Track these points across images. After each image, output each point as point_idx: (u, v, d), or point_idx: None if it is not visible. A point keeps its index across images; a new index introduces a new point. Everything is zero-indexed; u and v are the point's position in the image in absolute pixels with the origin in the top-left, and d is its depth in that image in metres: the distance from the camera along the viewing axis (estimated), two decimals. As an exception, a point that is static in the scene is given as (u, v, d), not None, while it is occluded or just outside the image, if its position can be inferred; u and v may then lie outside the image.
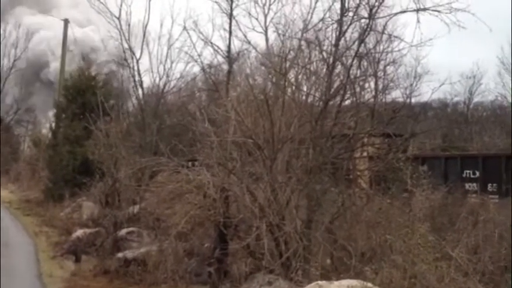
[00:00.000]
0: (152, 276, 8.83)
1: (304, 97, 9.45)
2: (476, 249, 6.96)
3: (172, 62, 16.04)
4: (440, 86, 22.69)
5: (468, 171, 15.84)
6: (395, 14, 8.58)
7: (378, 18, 8.68)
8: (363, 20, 8.73)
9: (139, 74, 15.81)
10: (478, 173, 15.63)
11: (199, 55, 13.32)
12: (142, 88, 16.17)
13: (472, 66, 39.32)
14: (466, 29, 8.22)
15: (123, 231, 11.41)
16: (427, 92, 36.89)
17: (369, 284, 5.34)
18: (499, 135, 27.45)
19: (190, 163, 10.65)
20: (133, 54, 15.85)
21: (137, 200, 12.50)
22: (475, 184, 15.29)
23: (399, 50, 10.50)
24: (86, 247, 11.74)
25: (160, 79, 16.07)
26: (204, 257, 8.86)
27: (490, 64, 40.65)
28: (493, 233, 7.18)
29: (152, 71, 16.15)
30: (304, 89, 9.55)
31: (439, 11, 8.02)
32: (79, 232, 12.25)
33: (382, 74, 13.54)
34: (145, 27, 16.09)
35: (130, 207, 12.59)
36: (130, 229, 11.44)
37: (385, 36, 10.68)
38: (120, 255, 10.22)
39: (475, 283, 5.84)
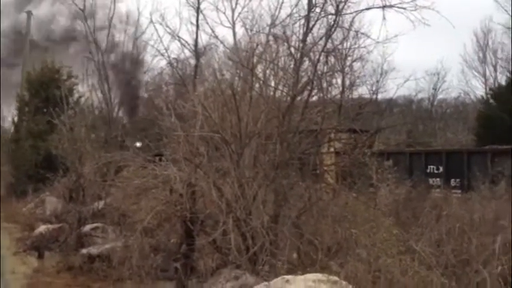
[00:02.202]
0: (117, 272, 8.71)
1: (271, 92, 9.46)
2: (439, 243, 7.10)
3: (138, 56, 15.83)
4: (404, 83, 23.09)
5: (432, 167, 16.19)
6: (362, 10, 8.65)
7: (345, 14, 8.74)
8: (330, 16, 8.79)
9: (104, 68, 15.54)
10: (441, 168, 15.99)
11: (166, 49, 13.17)
12: (107, 82, 15.90)
13: (437, 64, 40.19)
14: (430, 27, 8.39)
15: (87, 227, 11.23)
16: (392, 89, 37.58)
17: (334, 278, 5.39)
18: (461, 132, 28.14)
19: (157, 158, 10.54)
20: (99, 47, 15.58)
21: (102, 196, 12.31)
22: (438, 179, 15.64)
23: (365, 47, 10.61)
24: (49, 243, 11.55)
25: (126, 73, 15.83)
26: (170, 253, 8.79)
27: (454, 62, 41.52)
28: (455, 226, 7.32)
29: (117, 65, 15.90)
30: (272, 84, 9.55)
31: (404, 8, 8.13)
32: (42, 228, 12.02)
33: (349, 70, 13.66)
34: (110, 20, 15.85)
35: (95, 202, 12.39)
36: (95, 225, 11.27)
37: (352, 33, 10.78)
38: (84, 251, 10.07)
39: (438, 276, 5.95)
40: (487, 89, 29.85)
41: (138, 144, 13.43)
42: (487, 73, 30.54)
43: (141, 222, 8.60)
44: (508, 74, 27.51)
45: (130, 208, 10.07)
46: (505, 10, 26.94)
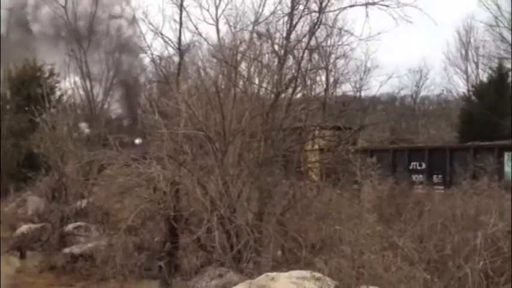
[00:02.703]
0: (100, 271, 8.65)
1: (255, 90, 9.46)
2: (422, 239, 7.15)
3: (121, 53, 15.70)
4: (387, 80, 23.25)
5: (415, 163, 16.32)
6: (345, 7, 8.69)
7: (328, 12, 8.77)
8: (313, 14, 8.80)
9: (86, 65, 15.38)
10: (424, 165, 16.12)
11: (149, 46, 13.08)
12: (90, 80, 15.75)
13: (419, 61, 40.55)
14: (414, 25, 8.46)
15: (70, 226, 11.14)
16: (376, 86, 37.77)
17: (318, 274, 5.41)
18: (444, 128, 28.43)
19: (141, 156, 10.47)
20: (80, 44, 15.42)
21: (85, 194, 12.21)
22: (421, 175, 15.78)
23: (348, 44, 10.66)
24: (32, 243, 11.43)
25: (109, 71, 15.70)
26: (154, 251, 8.76)
27: (437, 59, 41.91)
28: (437, 222, 7.39)
29: (100, 62, 15.77)
30: (256, 81, 9.55)
31: (387, 6, 8.18)
32: (24, 227, 11.89)
33: (333, 67, 13.72)
34: (92, 17, 15.68)
35: (77, 201, 12.29)
36: (78, 224, 11.19)
37: (335, 31, 10.83)
38: (66, 250, 9.99)
39: (420, 271, 6.00)
40: (469, 86, 30.16)
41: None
42: (469, 70, 30.84)
43: (125, 220, 8.55)
44: (490, 71, 27.86)
45: (114, 207, 10.02)
46: (487, 8, 27.28)
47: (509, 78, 26.81)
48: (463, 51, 30.98)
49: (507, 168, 14.09)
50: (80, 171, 12.29)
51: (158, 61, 12.95)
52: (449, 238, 6.70)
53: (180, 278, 8.01)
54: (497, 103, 24.49)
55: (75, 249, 9.84)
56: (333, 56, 12.77)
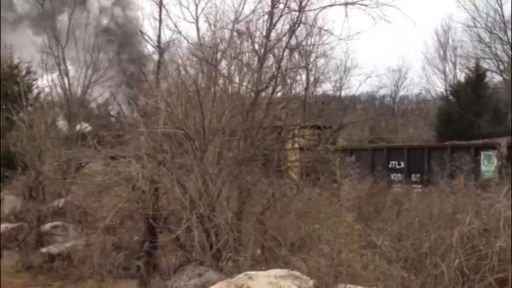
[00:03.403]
0: (78, 271, 8.58)
1: (235, 88, 9.44)
2: (400, 237, 7.22)
3: (99, 51, 15.54)
4: (366, 79, 23.50)
5: (394, 162, 16.51)
6: (325, 7, 8.73)
7: (308, 11, 8.80)
8: (293, 13, 8.82)
9: (64, 63, 15.20)
10: (403, 164, 16.32)
11: (128, 44, 12.96)
12: (68, 77, 15.56)
13: (398, 61, 40.96)
14: (393, 25, 8.57)
15: (47, 226, 11.00)
16: (356, 85, 38.09)
17: (297, 273, 5.43)
18: (422, 128, 28.79)
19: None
20: (58, 42, 15.22)
21: (63, 193, 12.06)
22: (400, 174, 15.97)
23: (328, 44, 10.71)
24: (8, 242, 11.25)
25: (87, 68, 15.52)
26: (132, 251, 8.69)
27: (416, 59, 42.46)
28: (415, 221, 7.47)
29: (79, 60, 15.60)
30: (236, 80, 9.53)
31: (366, 5, 8.25)
32: (0, 227, 11.69)
33: (313, 66, 13.79)
34: (71, 14, 15.49)
35: (55, 200, 12.14)
36: (55, 223, 11.04)
37: (316, 30, 10.87)
38: (44, 250, 9.87)
39: (398, 269, 6.06)
40: (447, 86, 30.59)
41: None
42: (447, 70, 31.31)
43: (103, 220, 8.47)
44: (467, 72, 28.28)
45: (92, 206, 9.92)
46: (465, 9, 27.70)
47: (486, 79, 27.29)
48: (441, 51, 31.46)
49: (483, 167, 14.33)
50: (57, 170, 12.16)
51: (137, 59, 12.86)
52: (426, 236, 6.77)
53: (158, 277, 7.96)
54: (475, 103, 24.90)
55: (53, 249, 9.73)
56: (313, 55, 12.83)
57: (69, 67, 15.56)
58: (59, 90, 17.22)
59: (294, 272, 5.53)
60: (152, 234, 8.29)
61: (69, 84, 16.08)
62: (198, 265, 7.35)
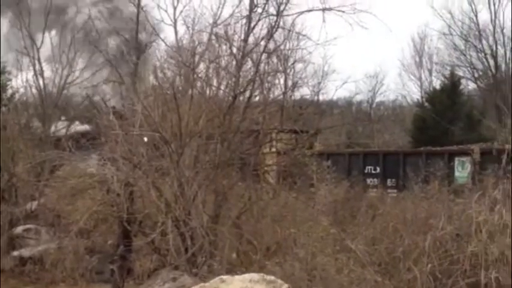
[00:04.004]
0: (50, 274, 8.46)
1: (213, 92, 9.43)
2: (374, 241, 7.29)
3: (76, 52, 15.35)
4: (342, 85, 23.73)
5: (370, 167, 16.65)
6: (302, 12, 8.79)
7: (286, 15, 8.85)
8: (271, 17, 8.86)
9: (39, 63, 14.97)
10: (378, 169, 16.47)
11: (105, 45, 12.85)
12: (43, 78, 15.32)
13: (375, 67, 41.48)
14: (371, 32, 8.70)
15: (19, 229, 10.77)
16: (333, 90, 38.44)
17: (271, 277, 5.41)
18: (398, 133, 29.14)
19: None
20: (34, 41, 15.00)
21: (36, 196, 11.84)
22: (375, 179, 16.10)
23: (305, 48, 10.77)
24: (-21, 246, 10.99)
25: (63, 69, 15.32)
26: (106, 255, 8.59)
27: (392, 66, 43.04)
28: (389, 225, 7.54)
29: (54, 60, 15.38)
30: (214, 83, 9.52)
31: (343, 11, 8.33)
32: (-30, 230, 11.42)
33: (291, 71, 13.82)
34: (47, 14, 15.27)
35: (28, 203, 11.91)
36: (28, 226, 10.82)
37: (294, 35, 10.91)
38: (15, 253, 9.69)
39: (372, 273, 6.11)
40: (423, 92, 31.04)
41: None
42: (423, 77, 31.75)
43: (76, 223, 8.36)
44: (443, 78, 28.73)
45: (66, 209, 9.78)
46: (441, 16, 28.16)
47: (461, 86, 27.76)
48: (417, 59, 31.91)
49: (457, 173, 14.56)
50: (31, 172, 11.94)
51: (114, 60, 12.75)
52: (400, 241, 6.85)
53: (132, 281, 7.88)
54: (449, 110, 25.30)
55: (25, 252, 9.55)
56: (291, 59, 12.87)
57: (45, 67, 15.35)
58: (34, 90, 16.99)
59: (268, 276, 5.51)
60: (126, 237, 8.21)
61: (44, 84, 15.85)
62: (173, 269, 7.29)
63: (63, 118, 15.58)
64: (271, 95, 10.80)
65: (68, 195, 9.38)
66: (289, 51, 12.19)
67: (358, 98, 33.16)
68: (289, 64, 13.13)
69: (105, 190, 8.19)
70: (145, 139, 8.41)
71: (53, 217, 10.44)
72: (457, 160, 14.86)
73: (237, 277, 5.36)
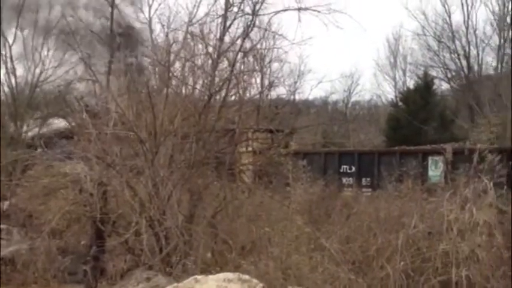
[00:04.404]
0: (21, 275, 8.28)
1: (189, 91, 9.38)
2: (348, 240, 7.35)
3: (48, 50, 15.12)
4: (318, 84, 23.88)
5: (345, 166, 16.77)
6: (278, 11, 8.80)
7: (261, 15, 8.85)
8: (247, 16, 8.86)
9: (11, 61, 14.70)
10: (354, 168, 16.60)
11: (78, 44, 12.67)
12: (15, 76, 15.05)
13: (351, 67, 41.86)
14: (348, 33, 8.78)
15: (-10, 229, 10.56)
16: (309, 90, 38.67)
17: (246, 276, 5.42)
18: (373, 133, 29.44)
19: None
20: (6, 39, 14.72)
21: (7, 196, 11.62)
22: (351, 178, 16.24)
23: (281, 47, 10.79)
24: None
25: (35, 67, 15.07)
26: (79, 255, 8.46)
27: (367, 66, 43.47)
28: (363, 224, 7.62)
29: (27, 58, 15.12)
30: (189, 82, 9.46)
31: (318, 11, 8.38)
32: None
33: (268, 70, 13.85)
34: (19, 11, 15.00)
35: (-1, 203, 11.68)
36: (-1, 226, 10.62)
37: (271, 34, 10.93)
38: (-14, 254, 9.45)
39: (345, 272, 6.16)
40: (397, 92, 31.41)
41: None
42: (397, 77, 32.14)
43: (49, 223, 8.23)
44: (416, 79, 29.13)
45: (38, 209, 9.61)
46: (415, 17, 28.54)
47: (434, 86, 28.19)
48: (392, 59, 32.30)
49: (430, 172, 14.78)
50: (2, 172, 11.71)
51: (88, 58, 12.59)
52: (373, 239, 6.93)
53: (105, 282, 7.79)
54: (423, 109, 25.66)
55: (-5, 253, 9.34)
56: (267, 59, 12.89)
57: (17, 65, 15.07)
58: (6, 89, 16.68)
59: (243, 275, 5.52)
60: (100, 238, 8.11)
61: (16, 83, 15.57)
62: (147, 269, 7.23)
63: (36, 117, 15.33)
64: (248, 94, 10.80)
65: (40, 195, 9.22)
66: (266, 51, 12.21)
67: (334, 97, 33.46)
68: (266, 63, 13.15)
69: (78, 190, 8.08)
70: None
71: (25, 217, 10.24)
72: (430, 159, 15.09)
73: (211, 277, 5.36)
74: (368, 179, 16.03)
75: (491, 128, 16.98)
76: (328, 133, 26.50)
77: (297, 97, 26.08)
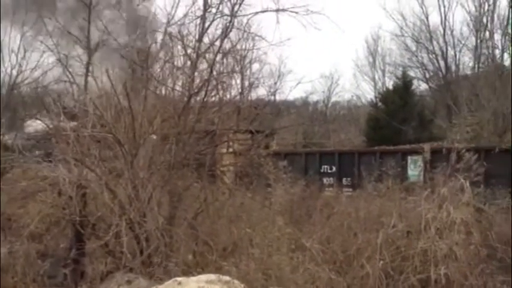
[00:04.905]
0: (0, 280, 8.14)
1: (169, 92, 9.34)
2: (329, 240, 7.39)
3: (25, 51, 14.93)
4: (297, 85, 23.99)
5: (326, 167, 16.87)
6: (257, 13, 8.84)
7: (240, 16, 8.87)
8: (226, 17, 8.87)
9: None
10: (334, 168, 16.70)
11: (56, 45, 12.51)
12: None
13: (331, 68, 42.07)
14: (326, 33, 8.83)
15: (-34, 234, 10.36)
16: (289, 90, 38.81)
17: (227, 278, 5.42)
18: (353, 133, 29.65)
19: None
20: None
21: (-16, 199, 11.42)
22: (331, 178, 16.34)
23: (259, 48, 10.83)
24: None
25: (12, 69, 14.87)
26: (59, 258, 8.35)
27: (347, 66, 43.83)
28: (343, 224, 7.67)
29: (3, 60, 14.90)
30: (168, 84, 9.43)
31: (297, 13, 8.42)
32: None
33: (248, 71, 13.88)
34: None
35: (-24, 207, 11.47)
36: (-24, 231, 10.42)
37: (250, 35, 10.96)
38: (-37, 259, 9.28)
39: (326, 271, 6.19)
40: (376, 92, 31.69)
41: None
42: (376, 77, 32.42)
43: (27, 226, 8.12)
44: (395, 79, 29.43)
45: (16, 212, 9.48)
46: (393, 18, 28.84)
47: (413, 86, 28.51)
48: (371, 59, 32.57)
49: (410, 172, 14.94)
50: (-22, 175, 11.51)
51: (65, 60, 12.44)
52: (354, 239, 6.98)
53: (86, 285, 7.71)
54: (402, 109, 25.93)
55: (-28, 258, 9.16)
56: (247, 60, 12.93)
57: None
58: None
59: (224, 276, 5.52)
60: (79, 241, 8.03)
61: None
62: (128, 272, 7.18)
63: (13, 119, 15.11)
64: (228, 96, 10.80)
65: (18, 198, 9.09)
66: (245, 52, 12.23)
67: (315, 98, 33.63)
68: (246, 64, 13.18)
69: (56, 193, 7.99)
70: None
71: (3, 221, 10.09)
72: (409, 159, 15.25)
73: (192, 278, 5.35)
74: (349, 178, 16.13)
75: (466, 128, 17.24)
76: (309, 133, 26.61)
77: (278, 98, 26.17)
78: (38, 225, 8.32)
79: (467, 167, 7.58)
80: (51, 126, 9.20)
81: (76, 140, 8.09)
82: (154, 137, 8.47)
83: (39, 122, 11.77)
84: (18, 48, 14.82)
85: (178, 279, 5.51)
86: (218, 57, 9.12)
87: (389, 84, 30.45)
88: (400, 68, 29.25)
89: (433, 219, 6.36)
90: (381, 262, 6.09)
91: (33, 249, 8.50)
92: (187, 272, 6.74)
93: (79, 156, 8.04)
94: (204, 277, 5.47)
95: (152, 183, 8.08)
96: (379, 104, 28.98)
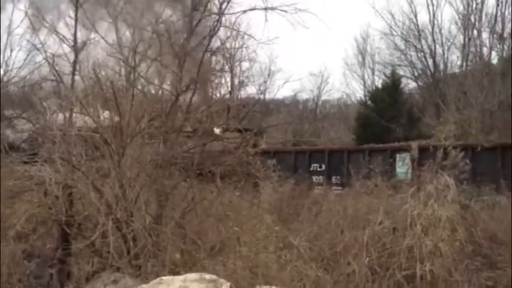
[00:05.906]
0: (-15, 281, 8.06)
1: (156, 91, 9.31)
2: (317, 237, 7.41)
3: (12, 50, 14.81)
4: (284, 83, 24.02)
5: (315, 165, 16.92)
6: (245, 11, 8.81)
7: (228, 14, 8.84)
8: (214, 16, 8.83)
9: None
10: (324, 166, 16.75)
11: (42, 43, 12.43)
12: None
13: (320, 66, 42.14)
14: (315, 31, 8.83)
15: (-48, 235, 10.25)
16: (279, 89, 38.88)
17: (213, 276, 5.40)
18: (343, 131, 29.75)
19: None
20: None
21: (-30, 200, 11.31)
22: (321, 176, 16.38)
23: (248, 46, 10.82)
24: None
25: (-1, 68, 14.74)
26: (45, 258, 8.29)
27: (337, 65, 43.96)
28: (331, 221, 7.68)
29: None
30: (156, 82, 9.40)
31: (285, 11, 8.41)
32: None
33: (237, 70, 13.87)
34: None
35: (-38, 207, 11.35)
36: (-38, 232, 10.32)
37: (240, 34, 10.96)
38: None
39: (314, 269, 6.20)
40: (366, 91, 31.80)
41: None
42: (366, 76, 32.53)
43: (13, 226, 8.05)
44: (384, 77, 29.56)
45: (2, 212, 9.39)
46: (382, 17, 28.98)
47: (402, 85, 28.64)
48: (360, 58, 32.67)
49: (398, 169, 15.01)
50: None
51: (52, 59, 12.36)
52: (341, 236, 7.00)
53: (72, 285, 7.66)
54: (391, 108, 26.06)
55: (-42, 259, 9.06)
56: (236, 58, 12.91)
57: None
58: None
59: (209, 275, 5.50)
60: (66, 240, 7.98)
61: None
62: (114, 271, 7.14)
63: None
64: (218, 94, 10.80)
65: (4, 198, 9.00)
66: (235, 50, 12.22)
67: (304, 96, 33.69)
68: (235, 63, 13.18)
69: (42, 192, 7.93)
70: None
71: (-10, 221, 9.99)
72: (398, 156, 15.33)
73: (178, 277, 5.33)
74: (338, 177, 16.18)
75: (449, 126, 17.41)
76: (299, 132, 26.66)
77: (267, 96, 26.19)
78: (24, 225, 8.25)
79: (453, 164, 7.64)
80: (37, 125, 9.12)
81: (62, 139, 8.04)
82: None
83: (25, 121, 11.72)
84: (5, 47, 14.73)
85: (163, 278, 5.49)
86: (206, 56, 9.11)
87: (379, 82, 30.61)
88: (389, 67, 29.40)
89: (418, 216, 6.39)
90: (367, 259, 6.11)
91: (19, 250, 8.43)
92: (175, 271, 6.72)
93: (66, 155, 7.99)
94: (190, 276, 5.45)
95: (139, 182, 8.04)
96: (369, 102, 29.08)
